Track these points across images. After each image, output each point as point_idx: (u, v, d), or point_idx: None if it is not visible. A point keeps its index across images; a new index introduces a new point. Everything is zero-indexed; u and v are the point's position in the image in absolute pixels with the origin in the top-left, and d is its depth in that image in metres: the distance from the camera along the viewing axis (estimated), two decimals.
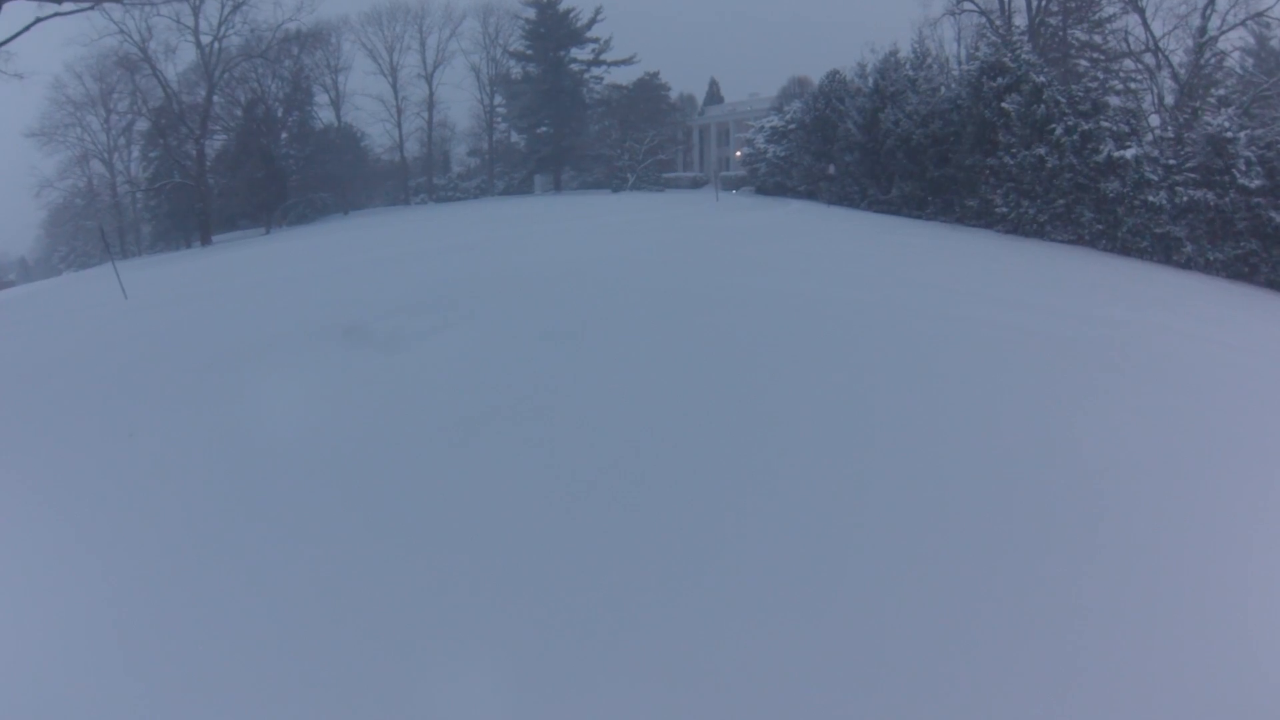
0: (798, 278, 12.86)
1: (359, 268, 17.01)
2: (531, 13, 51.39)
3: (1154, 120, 24.14)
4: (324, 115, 50.53)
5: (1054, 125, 22.70)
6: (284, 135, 47.57)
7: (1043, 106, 22.84)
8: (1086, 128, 22.40)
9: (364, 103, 50.64)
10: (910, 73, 28.62)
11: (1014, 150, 23.41)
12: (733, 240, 19.32)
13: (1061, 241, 23.07)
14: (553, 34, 51.25)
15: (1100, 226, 22.29)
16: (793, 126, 36.35)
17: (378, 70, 50.52)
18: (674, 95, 56.44)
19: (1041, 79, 23.09)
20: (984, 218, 24.73)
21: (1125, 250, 22.00)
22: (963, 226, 25.28)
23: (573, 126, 51.46)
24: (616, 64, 52.25)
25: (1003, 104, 23.57)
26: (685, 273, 13.47)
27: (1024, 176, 23.30)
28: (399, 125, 52.11)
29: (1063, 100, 22.84)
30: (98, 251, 41.58)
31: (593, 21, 51.93)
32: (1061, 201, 22.82)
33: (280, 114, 47.10)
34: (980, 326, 9.93)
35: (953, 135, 25.66)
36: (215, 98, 43.31)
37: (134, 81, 41.83)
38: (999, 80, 23.94)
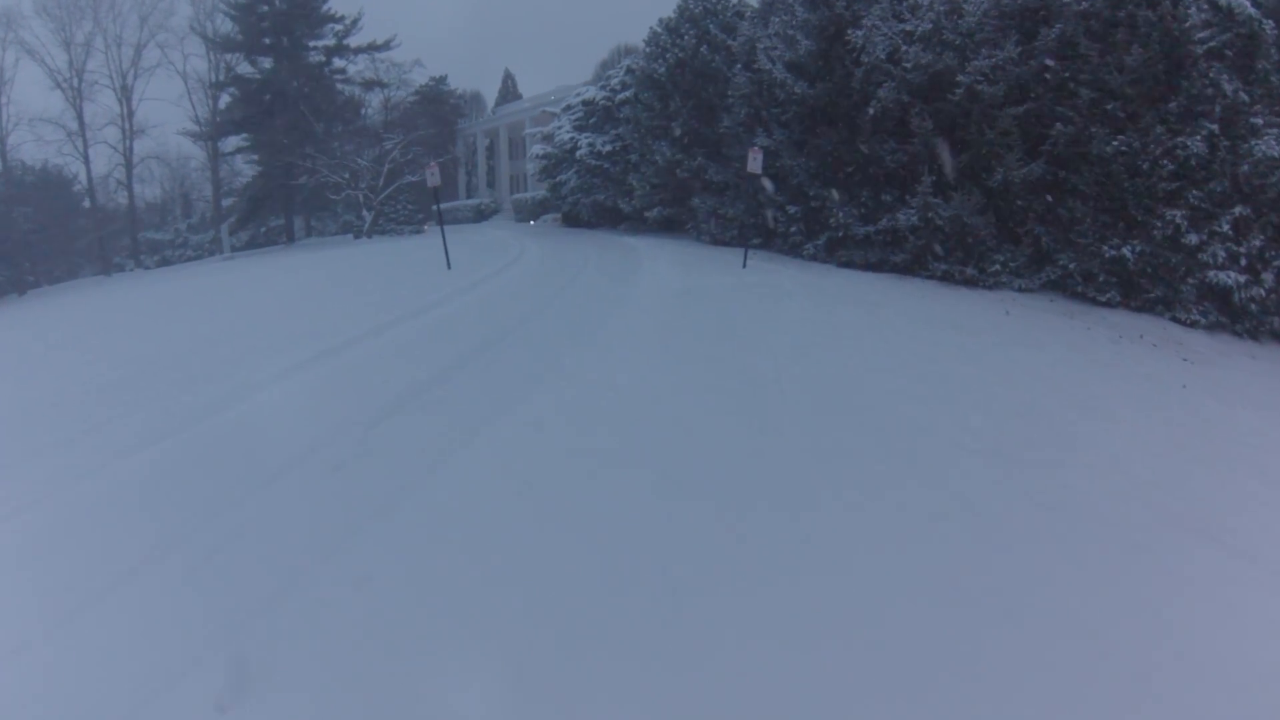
0: None
1: None
2: None
3: None
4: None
5: None
6: None
7: None
8: None
9: (44, 129, 34.71)
10: None
11: None
12: None
13: None
14: (277, 13, 30.56)
15: None
16: (626, 94, 18.86)
17: (52, 82, 34.12)
18: (457, 96, 40.90)
19: None
20: (1222, 305, 8.27)
21: None
22: (1155, 326, 8.66)
23: (315, 148, 29.81)
24: (365, 50, 32.18)
25: None
26: None
27: None
28: (85, 158, 34.55)
29: None
30: None
31: None
32: None
33: None
34: None
35: (1092, 73, 9.13)
36: None
37: None
38: None
